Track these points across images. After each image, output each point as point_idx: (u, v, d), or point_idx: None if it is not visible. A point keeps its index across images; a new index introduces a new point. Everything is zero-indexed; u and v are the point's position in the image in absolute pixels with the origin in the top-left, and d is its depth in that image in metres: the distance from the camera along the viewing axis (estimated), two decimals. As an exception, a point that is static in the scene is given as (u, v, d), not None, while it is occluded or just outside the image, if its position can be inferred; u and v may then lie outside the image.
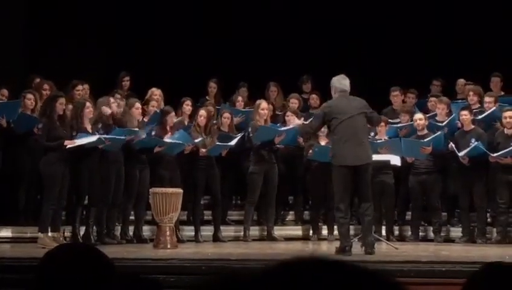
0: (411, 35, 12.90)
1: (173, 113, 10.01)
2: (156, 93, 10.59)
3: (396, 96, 11.46)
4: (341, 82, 8.45)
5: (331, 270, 1.09)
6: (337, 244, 9.09)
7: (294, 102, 11.18)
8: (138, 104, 9.83)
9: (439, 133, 10.16)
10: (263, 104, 10.47)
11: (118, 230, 9.65)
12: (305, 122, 9.80)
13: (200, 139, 9.88)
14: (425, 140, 10.07)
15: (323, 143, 10.30)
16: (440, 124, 10.52)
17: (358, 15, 13.10)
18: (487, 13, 12.91)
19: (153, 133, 9.77)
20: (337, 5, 13.22)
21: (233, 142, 10.14)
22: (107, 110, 9.20)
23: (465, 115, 10.10)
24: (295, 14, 13.15)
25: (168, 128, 9.86)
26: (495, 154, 9.76)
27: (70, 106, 9.39)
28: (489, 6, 12.87)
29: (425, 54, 12.78)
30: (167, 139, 9.70)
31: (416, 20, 12.99)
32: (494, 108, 10.39)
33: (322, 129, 10.14)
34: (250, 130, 10.34)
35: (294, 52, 12.87)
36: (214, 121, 10.60)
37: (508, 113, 9.93)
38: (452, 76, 11.98)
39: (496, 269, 2.44)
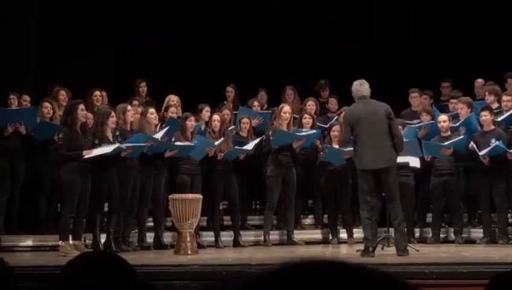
0: (423, 37, 12.91)
1: (193, 119, 10.00)
2: (173, 99, 10.61)
3: (415, 98, 11.50)
4: (359, 88, 8.51)
5: (333, 272, 1.09)
6: (357, 247, 9.13)
7: (311, 105, 11.18)
8: (152, 110, 9.81)
9: (461, 137, 10.10)
10: (286, 107, 10.48)
11: (134, 237, 9.67)
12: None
13: (221, 140, 9.88)
14: (445, 143, 10.05)
15: (336, 146, 10.29)
16: (455, 125, 10.46)
17: (374, 20, 13.14)
18: (502, 13, 12.89)
19: (173, 139, 9.79)
20: (353, 11, 13.25)
21: (250, 147, 10.15)
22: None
23: (485, 116, 10.06)
24: (311, 20, 13.16)
25: (188, 133, 9.87)
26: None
27: (89, 114, 9.43)
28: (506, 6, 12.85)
29: (439, 56, 12.75)
30: (180, 143, 9.70)
31: (429, 23, 13.01)
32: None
33: (335, 132, 10.24)
34: (270, 133, 10.34)
35: (311, 57, 12.88)
36: (232, 126, 10.61)
37: None
38: (461, 76, 11.97)
39: None
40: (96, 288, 2.03)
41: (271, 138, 10.25)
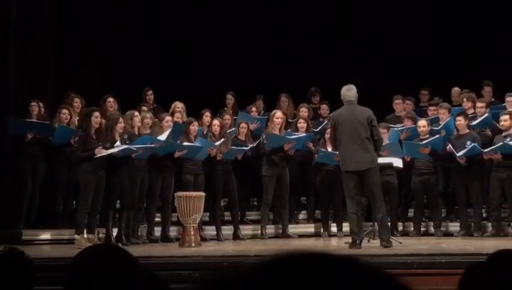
0: (407, 48, 12.92)
1: (196, 123, 10.04)
2: (178, 106, 10.61)
3: (398, 104, 11.50)
4: (346, 93, 8.51)
5: (318, 262, 1.08)
6: (346, 239, 9.13)
7: (304, 110, 11.23)
8: (169, 118, 9.86)
9: (437, 136, 10.17)
10: (278, 113, 10.49)
11: (143, 231, 9.68)
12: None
13: (221, 141, 9.89)
14: (423, 142, 10.11)
15: (329, 149, 10.33)
16: (437, 128, 10.51)
17: (362, 33, 13.17)
18: (477, 25, 12.91)
19: (178, 142, 9.78)
20: (342, 23, 13.29)
21: (247, 147, 10.22)
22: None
23: (460, 121, 10.14)
24: (303, 33, 13.21)
25: (192, 137, 9.88)
26: (486, 150, 9.78)
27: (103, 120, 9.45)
28: (480, 18, 12.87)
29: (418, 65, 12.76)
30: (188, 144, 9.71)
31: (411, 34, 13.01)
32: (487, 114, 10.39)
33: (329, 135, 10.24)
34: (264, 137, 10.35)
35: (304, 66, 12.90)
36: (231, 129, 10.62)
37: (504, 117, 9.93)
38: (441, 84, 11.99)
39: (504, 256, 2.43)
40: (101, 277, 2.02)
41: (264, 141, 10.25)
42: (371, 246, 8.74)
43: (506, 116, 9.93)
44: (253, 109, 11.54)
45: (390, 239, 8.53)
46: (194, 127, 9.95)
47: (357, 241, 8.42)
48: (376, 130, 8.48)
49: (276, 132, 10.33)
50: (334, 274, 1.08)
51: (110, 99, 10.40)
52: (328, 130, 10.40)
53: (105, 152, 8.86)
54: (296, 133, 10.54)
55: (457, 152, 9.85)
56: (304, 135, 10.47)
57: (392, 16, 13.13)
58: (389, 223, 10.17)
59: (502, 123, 9.96)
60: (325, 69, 12.65)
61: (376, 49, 13.02)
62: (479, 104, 10.63)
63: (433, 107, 11.24)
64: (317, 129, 11.11)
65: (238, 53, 12.91)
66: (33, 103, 9.89)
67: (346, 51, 12.97)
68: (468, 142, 9.94)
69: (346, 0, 13.45)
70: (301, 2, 13.31)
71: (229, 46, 12.98)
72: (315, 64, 12.86)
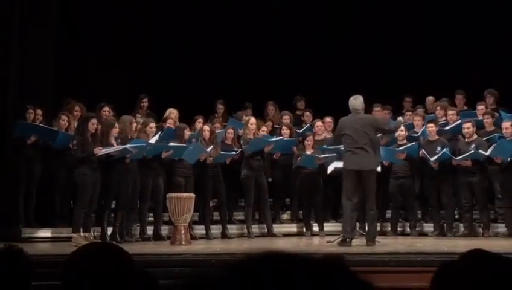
0: (385, 59, 12.96)
1: (188, 129, 10.07)
2: (173, 112, 10.62)
3: (378, 112, 11.50)
4: (353, 102, 8.70)
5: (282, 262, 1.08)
6: (328, 239, 9.16)
7: (286, 118, 11.32)
8: (153, 125, 9.88)
9: (413, 143, 10.23)
10: (252, 119, 10.66)
11: (136, 230, 9.66)
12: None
13: (211, 147, 9.91)
14: (400, 148, 10.16)
15: (309, 152, 10.40)
16: (415, 134, 10.58)
17: (346, 44, 13.19)
18: (452, 37, 13.00)
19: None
20: (325, 35, 13.32)
21: (235, 153, 10.26)
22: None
23: (431, 127, 10.22)
24: (288, 46, 13.22)
25: (184, 142, 9.88)
26: (457, 158, 9.85)
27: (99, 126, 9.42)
28: (454, 31, 12.97)
29: (398, 74, 12.80)
30: (174, 144, 9.72)
31: (392, 46, 13.05)
32: (459, 122, 10.45)
33: (309, 142, 10.32)
34: (241, 141, 10.42)
35: (290, 76, 12.91)
36: (219, 131, 10.65)
37: (466, 125, 9.99)
38: (421, 93, 12.05)
39: (476, 256, 2.44)
40: (96, 273, 2.01)
41: (243, 146, 10.28)
42: (353, 244, 8.70)
43: (469, 124, 10.03)
44: (244, 116, 11.55)
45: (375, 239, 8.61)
46: (187, 132, 10.00)
47: (347, 239, 8.47)
48: (381, 126, 8.98)
49: (251, 137, 10.40)
50: (297, 273, 1.09)
51: (106, 108, 10.37)
52: (309, 137, 10.57)
53: (104, 151, 8.88)
54: (274, 137, 10.59)
55: (428, 157, 9.94)
56: (281, 137, 10.56)
57: (376, 26, 13.15)
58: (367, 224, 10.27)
59: (465, 131, 10.05)
60: (309, 80, 12.71)
61: (359, 61, 13.03)
62: (450, 112, 10.75)
63: (410, 113, 11.31)
64: (299, 131, 11.18)
65: (229, 62, 12.91)
66: (30, 110, 9.82)
67: (332, 62, 12.99)
68: (438, 148, 10.03)
69: (328, 17, 13.45)
70: (284, 18, 13.32)
71: (221, 56, 12.98)
72: (300, 75, 12.89)
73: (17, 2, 10.30)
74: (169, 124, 10.30)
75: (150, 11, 13.07)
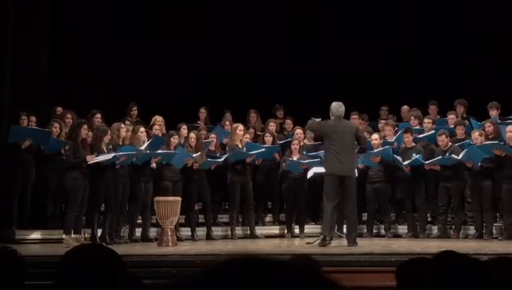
0: (363, 69, 13.01)
1: (176, 137, 10.07)
2: (158, 119, 10.59)
3: (355, 119, 11.52)
4: (337, 109, 8.69)
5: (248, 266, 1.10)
6: (307, 240, 9.17)
7: (272, 124, 11.31)
8: (142, 129, 9.89)
9: (386, 147, 10.32)
10: (240, 126, 10.62)
11: (125, 232, 9.63)
12: (312, 121, 9.81)
13: (197, 154, 9.90)
14: (374, 151, 10.25)
15: (295, 158, 10.40)
16: (390, 141, 10.66)
17: (319, 53, 13.20)
18: (426, 51, 13.10)
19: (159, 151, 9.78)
20: (306, 43, 13.35)
21: (221, 159, 10.27)
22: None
23: (408, 137, 10.37)
24: (269, 54, 13.22)
25: (171, 148, 9.87)
26: (427, 162, 9.99)
27: (90, 133, 9.38)
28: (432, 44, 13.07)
29: (375, 84, 12.87)
30: (162, 151, 9.71)
31: (370, 57, 13.11)
32: (433, 131, 10.56)
33: (295, 146, 10.33)
34: (227, 148, 10.41)
35: (271, 85, 12.93)
36: (208, 140, 10.63)
37: (440, 138, 10.11)
38: (396, 102, 12.13)
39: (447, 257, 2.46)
40: (88, 274, 2.00)
41: (228, 153, 10.30)
42: (330, 245, 8.74)
43: (443, 136, 10.14)
44: (227, 122, 11.51)
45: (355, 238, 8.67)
46: (174, 139, 10.00)
47: (327, 239, 8.51)
48: (362, 138, 8.95)
49: (238, 143, 10.42)
50: (272, 276, 1.10)
51: (98, 115, 10.33)
52: (294, 141, 10.55)
53: (96, 159, 8.85)
54: (260, 146, 10.61)
55: (401, 161, 10.07)
56: (263, 149, 10.51)
57: (355, 37, 13.17)
58: (345, 226, 10.30)
59: (440, 143, 10.16)
60: (289, 87, 12.74)
61: (338, 70, 13.03)
62: (426, 120, 10.89)
63: (384, 121, 11.38)
64: (282, 141, 11.14)
65: (210, 73, 12.91)
66: (23, 117, 9.75)
67: (310, 70, 13.02)
68: (414, 155, 10.12)
69: (306, 20, 13.47)
70: (261, 21, 13.30)
71: (203, 67, 12.97)
72: (280, 84, 12.91)
73: (11, 14, 10.25)
74: (156, 130, 10.30)
75: (137, 23, 13.04)
